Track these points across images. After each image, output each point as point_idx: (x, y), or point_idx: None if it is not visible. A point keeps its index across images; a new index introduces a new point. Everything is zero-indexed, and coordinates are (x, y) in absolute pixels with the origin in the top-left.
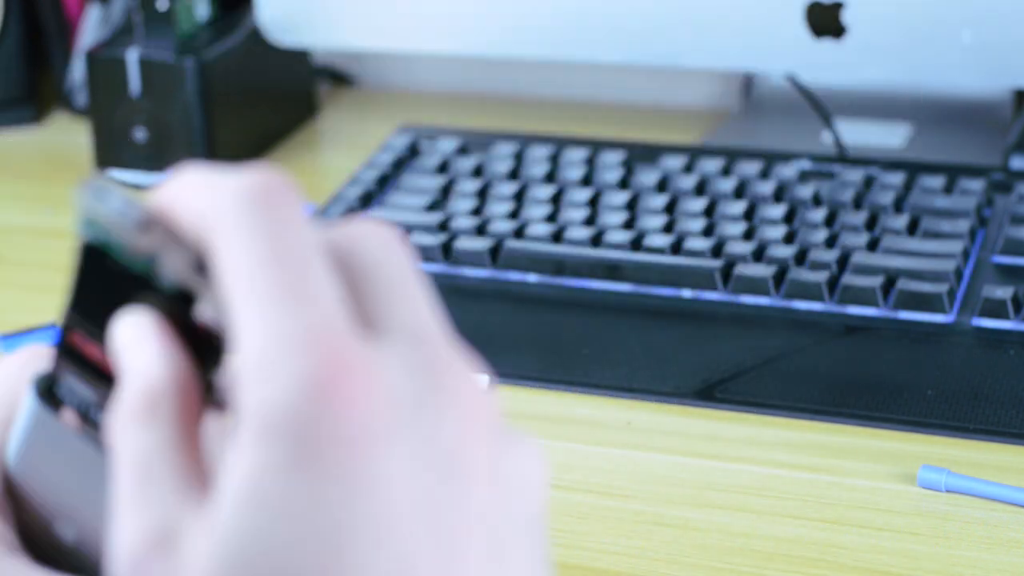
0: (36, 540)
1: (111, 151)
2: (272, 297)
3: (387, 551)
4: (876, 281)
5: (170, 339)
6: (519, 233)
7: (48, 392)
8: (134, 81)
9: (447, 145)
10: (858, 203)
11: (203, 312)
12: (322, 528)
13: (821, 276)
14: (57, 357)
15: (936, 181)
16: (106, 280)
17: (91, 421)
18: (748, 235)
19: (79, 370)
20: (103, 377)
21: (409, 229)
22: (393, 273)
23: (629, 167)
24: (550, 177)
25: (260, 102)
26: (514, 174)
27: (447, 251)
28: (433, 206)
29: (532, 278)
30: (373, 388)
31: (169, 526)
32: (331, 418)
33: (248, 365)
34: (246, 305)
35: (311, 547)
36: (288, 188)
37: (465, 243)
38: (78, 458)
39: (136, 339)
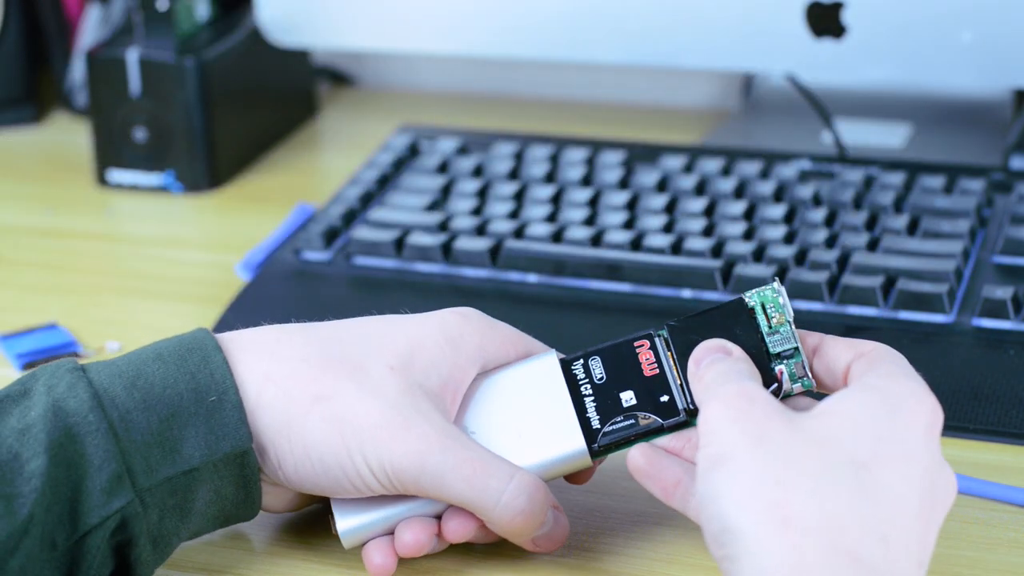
0: None
1: (111, 151)
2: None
3: (894, 444)
4: (876, 281)
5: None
6: (519, 233)
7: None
8: (134, 81)
9: (447, 145)
10: (858, 203)
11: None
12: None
13: (821, 276)
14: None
15: (936, 181)
16: (728, 327)
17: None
18: (748, 235)
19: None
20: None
21: (408, 229)
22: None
23: (629, 167)
24: (550, 177)
25: (260, 102)
26: (514, 174)
27: (447, 251)
28: (433, 206)
29: (532, 278)
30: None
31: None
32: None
33: (871, 372)
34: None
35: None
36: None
37: (465, 243)
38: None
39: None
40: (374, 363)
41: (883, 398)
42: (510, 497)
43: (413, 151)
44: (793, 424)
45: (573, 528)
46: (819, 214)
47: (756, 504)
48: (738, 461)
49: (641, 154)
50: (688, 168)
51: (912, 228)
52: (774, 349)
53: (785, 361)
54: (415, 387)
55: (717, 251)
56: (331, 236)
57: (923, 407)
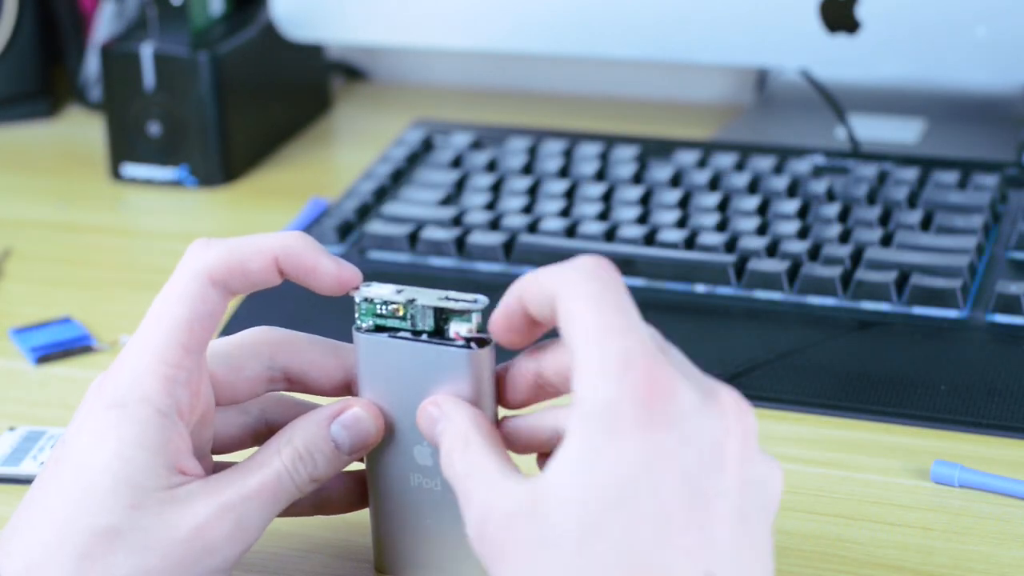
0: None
1: (125, 145)
2: (604, 330)
3: (657, 500)
4: (890, 276)
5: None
6: (533, 228)
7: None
8: (148, 75)
9: (461, 140)
10: (872, 198)
11: None
12: (621, 478)
13: (835, 271)
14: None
15: (950, 176)
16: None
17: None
18: (762, 230)
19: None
20: None
21: (422, 224)
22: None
23: (643, 162)
24: (564, 172)
25: (274, 97)
26: (528, 169)
27: (461, 246)
28: (447, 201)
29: None
30: (668, 393)
31: (485, 497)
32: (639, 408)
33: (584, 375)
34: (585, 335)
35: (609, 491)
36: (609, 263)
37: (479, 238)
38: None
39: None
40: (117, 520)
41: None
42: (292, 471)
43: (427, 146)
44: (523, 538)
45: None
46: (833, 209)
47: None
48: None
49: (655, 149)
50: (702, 163)
51: (926, 223)
52: (421, 325)
53: (453, 320)
54: (159, 496)
55: (731, 246)
56: (345, 230)
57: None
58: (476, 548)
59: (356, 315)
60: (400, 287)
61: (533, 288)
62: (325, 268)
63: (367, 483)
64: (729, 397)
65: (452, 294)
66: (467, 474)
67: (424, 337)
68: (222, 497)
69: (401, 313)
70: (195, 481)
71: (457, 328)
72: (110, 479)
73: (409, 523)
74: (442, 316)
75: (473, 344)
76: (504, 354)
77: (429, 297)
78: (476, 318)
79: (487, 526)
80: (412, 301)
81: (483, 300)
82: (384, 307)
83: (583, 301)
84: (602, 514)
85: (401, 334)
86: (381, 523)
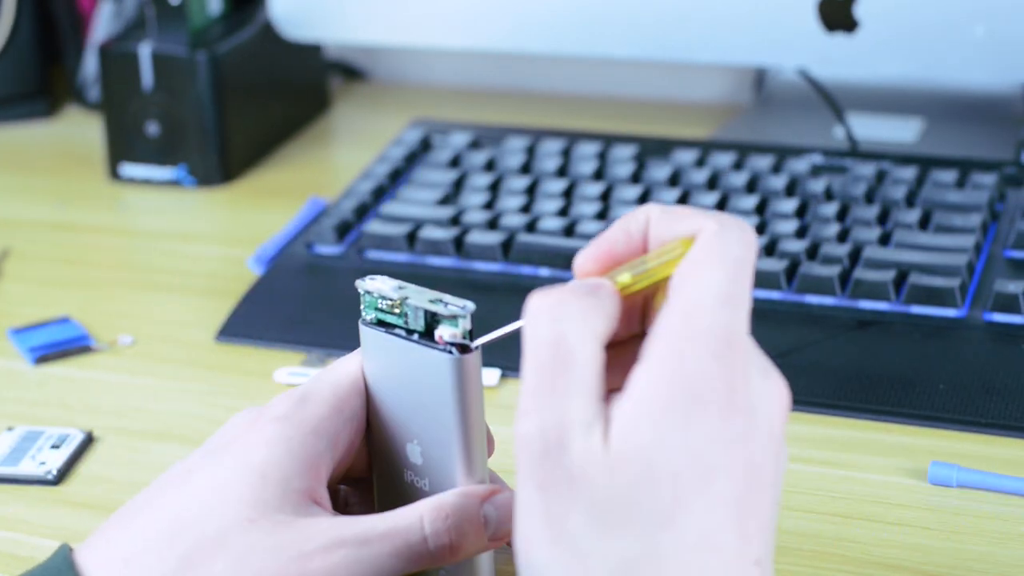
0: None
1: (123, 145)
2: (724, 297)
3: (730, 484)
4: (888, 275)
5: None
6: (531, 227)
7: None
8: (146, 75)
9: (459, 139)
10: (870, 197)
11: None
12: (699, 457)
13: (833, 270)
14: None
15: (948, 175)
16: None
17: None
18: (760, 229)
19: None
20: None
21: (421, 223)
22: None
23: (641, 161)
24: (562, 171)
25: (272, 96)
26: (526, 168)
27: (459, 245)
28: (445, 200)
29: (544, 272)
30: (748, 379)
31: (568, 426)
32: (726, 390)
33: (687, 329)
34: (704, 292)
35: (692, 472)
36: (753, 234)
37: (477, 237)
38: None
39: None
40: (231, 528)
41: (670, 407)
42: (432, 535)
43: (425, 145)
44: (589, 484)
45: None
46: (831, 208)
47: None
48: (536, 567)
49: (653, 148)
50: (700, 162)
51: (924, 222)
52: (413, 324)
53: (442, 324)
54: (278, 518)
55: None
56: (343, 230)
57: (715, 395)
58: (525, 462)
59: (362, 306)
60: (402, 284)
61: (663, 217)
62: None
63: (373, 479)
64: (782, 383)
65: (446, 297)
66: (552, 385)
67: (415, 337)
68: (339, 533)
69: (397, 310)
70: (323, 515)
71: (442, 332)
72: (241, 491)
73: None
74: (432, 317)
75: (455, 350)
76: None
77: (422, 298)
78: (463, 324)
79: (559, 457)
80: (406, 300)
81: (471, 307)
82: (383, 302)
83: (717, 257)
84: (682, 491)
85: (397, 331)
86: None
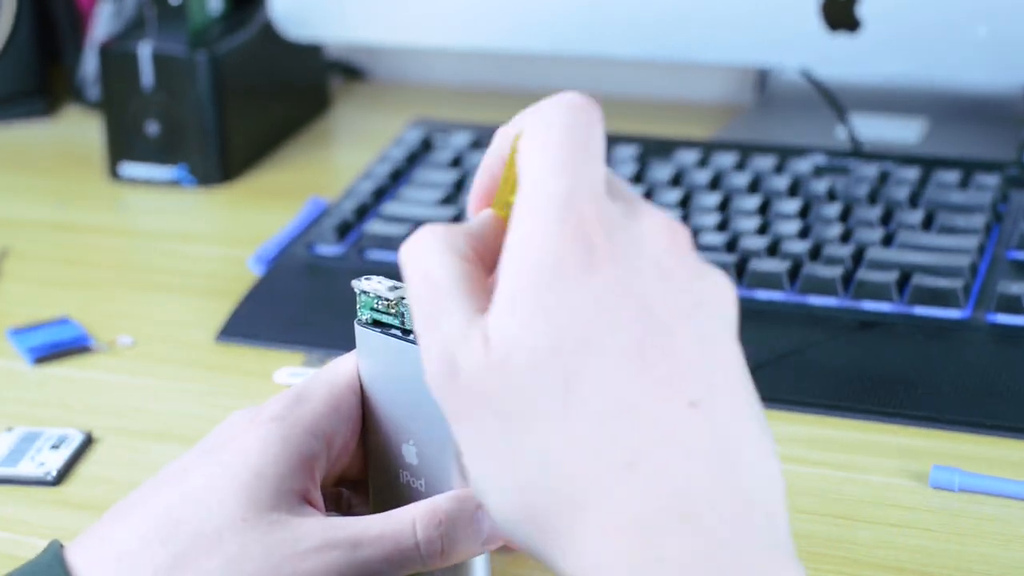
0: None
1: (123, 145)
2: (555, 167)
3: (622, 336)
4: (891, 276)
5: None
6: None
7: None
8: (146, 75)
9: (460, 139)
10: (873, 198)
11: None
12: (581, 318)
13: (836, 271)
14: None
15: (951, 176)
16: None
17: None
18: (762, 230)
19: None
20: None
21: (422, 223)
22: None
23: (643, 161)
24: None
25: (272, 96)
26: None
27: None
28: (446, 200)
29: None
30: (607, 228)
31: (452, 348)
32: (580, 249)
33: (523, 217)
34: (536, 171)
35: (576, 333)
36: (585, 100)
37: None
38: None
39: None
40: (226, 527)
41: (535, 284)
42: (424, 541)
43: (426, 145)
44: (484, 391)
45: None
46: (834, 209)
47: (513, 517)
48: (471, 465)
49: (655, 148)
50: (702, 163)
51: (927, 223)
52: (409, 324)
53: None
54: (272, 517)
55: (731, 246)
56: (344, 230)
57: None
58: (439, 398)
59: (357, 306)
60: (397, 284)
61: (507, 130)
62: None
63: (368, 479)
64: (660, 218)
65: None
66: (437, 287)
67: (411, 336)
68: (333, 535)
69: (392, 310)
70: (316, 516)
71: None
72: (235, 490)
73: None
74: None
75: None
76: None
77: None
78: None
79: (459, 374)
80: (401, 300)
81: None
82: (379, 302)
83: (540, 137)
84: (577, 365)
85: (392, 331)
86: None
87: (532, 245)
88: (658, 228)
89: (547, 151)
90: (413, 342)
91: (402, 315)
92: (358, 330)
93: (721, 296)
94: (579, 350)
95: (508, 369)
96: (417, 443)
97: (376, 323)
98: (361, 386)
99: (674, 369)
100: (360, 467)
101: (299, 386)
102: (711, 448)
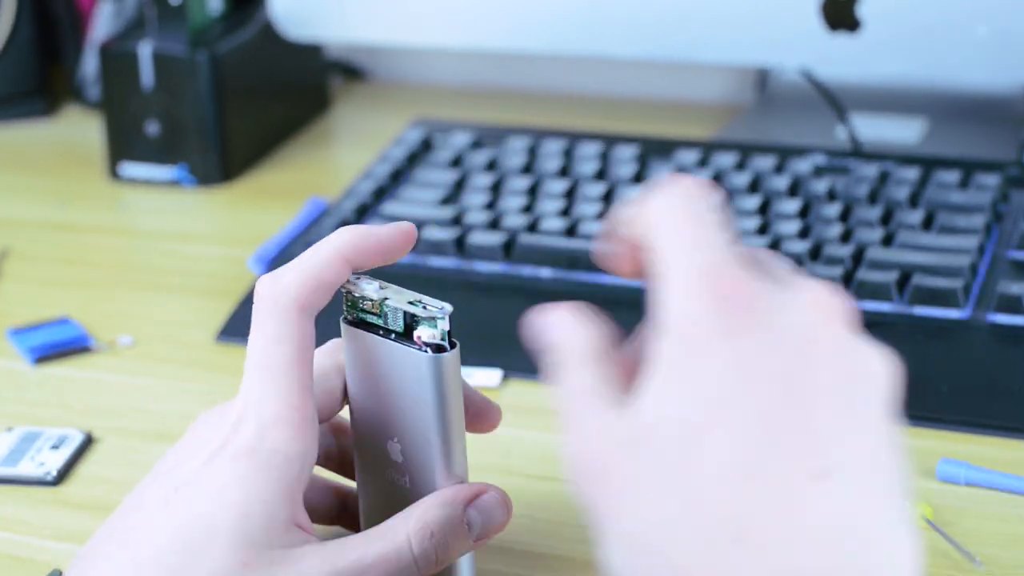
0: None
1: (123, 145)
2: (688, 243)
3: (754, 406)
4: (891, 276)
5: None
6: (533, 227)
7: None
8: (146, 75)
9: (460, 139)
10: (873, 198)
11: None
12: (713, 390)
13: (836, 271)
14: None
15: (951, 176)
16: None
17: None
18: (762, 230)
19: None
20: None
21: (422, 223)
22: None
23: (643, 161)
24: (564, 171)
25: (273, 96)
26: (528, 168)
27: (460, 245)
28: (446, 200)
29: (545, 272)
30: (748, 297)
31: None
32: (719, 317)
33: (664, 297)
34: (671, 249)
35: (707, 403)
36: (697, 185)
37: (478, 237)
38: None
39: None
40: (221, 560)
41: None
42: (420, 556)
43: (426, 145)
44: (618, 486)
45: (579, 520)
46: (834, 209)
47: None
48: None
49: (655, 148)
50: (702, 163)
51: (927, 223)
52: (392, 325)
53: (420, 324)
54: (272, 556)
55: None
56: None
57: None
58: (572, 482)
59: (343, 306)
60: (383, 284)
61: (637, 212)
62: (388, 237)
63: (355, 475)
64: (818, 289)
65: (425, 299)
66: (576, 392)
67: (393, 336)
68: (336, 564)
69: (377, 311)
70: (311, 542)
71: (420, 332)
72: (229, 534)
73: (385, 516)
74: (412, 319)
75: (429, 349)
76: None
77: (402, 299)
78: (441, 324)
79: (587, 453)
80: (385, 300)
81: (448, 308)
82: (363, 303)
83: (671, 217)
84: (701, 430)
85: (377, 330)
86: (365, 515)
87: (672, 320)
88: (812, 300)
89: (678, 229)
90: (396, 341)
91: (386, 315)
92: (343, 328)
93: (875, 371)
94: (706, 418)
95: (636, 440)
96: (401, 440)
97: (362, 322)
98: (346, 384)
99: (802, 441)
100: (347, 466)
101: (251, 409)
102: (831, 524)
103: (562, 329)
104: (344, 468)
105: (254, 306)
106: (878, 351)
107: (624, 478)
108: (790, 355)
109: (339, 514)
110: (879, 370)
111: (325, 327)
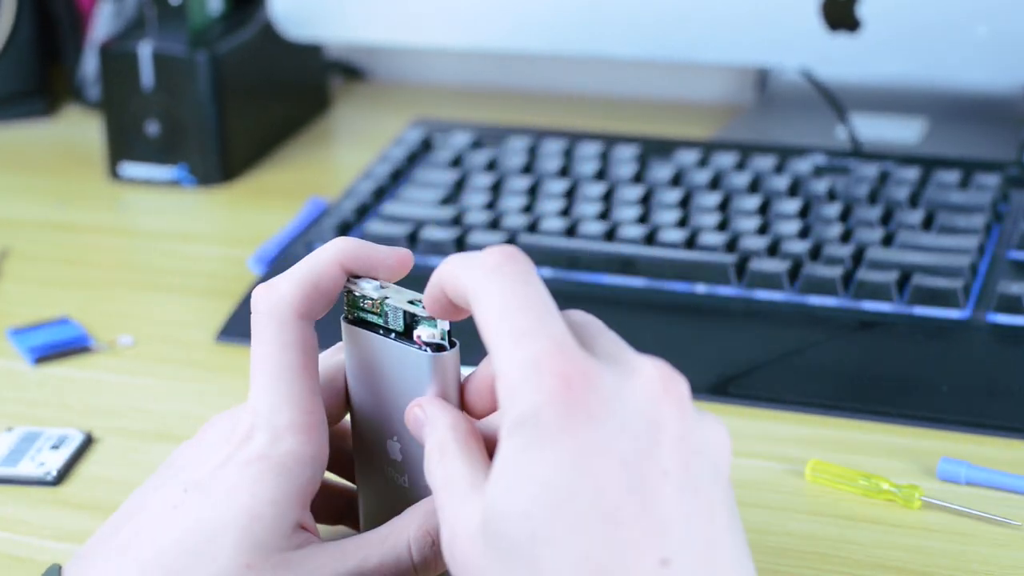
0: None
1: (123, 145)
2: (515, 333)
3: (598, 496)
4: (891, 276)
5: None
6: (533, 227)
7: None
8: (147, 75)
9: (460, 139)
10: (873, 198)
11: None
12: (557, 483)
13: (836, 271)
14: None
15: (951, 176)
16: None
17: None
18: (762, 230)
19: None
20: None
21: (422, 223)
22: (594, 325)
23: (643, 161)
24: (564, 171)
25: (273, 96)
26: (528, 168)
27: (460, 245)
28: (446, 200)
29: (546, 272)
30: (584, 387)
31: (453, 521)
32: (557, 409)
33: (501, 387)
34: (496, 345)
35: (548, 497)
36: (521, 255)
37: (479, 237)
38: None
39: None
40: (224, 561)
41: (508, 463)
42: (420, 562)
43: (426, 145)
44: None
45: None
46: (834, 209)
47: None
48: None
49: (655, 148)
50: (702, 163)
51: (927, 223)
52: (392, 324)
53: (420, 324)
54: (276, 559)
55: (731, 246)
56: (344, 230)
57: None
58: (448, 565)
59: (343, 305)
60: (383, 284)
61: (450, 283)
62: (386, 256)
63: (355, 473)
64: (653, 370)
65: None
66: (440, 487)
67: (393, 336)
68: (339, 568)
69: (377, 310)
70: (313, 543)
71: (420, 332)
72: (235, 536)
73: (385, 515)
74: (412, 318)
75: (429, 349)
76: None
77: (402, 298)
78: (441, 324)
79: (455, 546)
80: (385, 299)
81: None
82: (363, 302)
83: (490, 307)
84: (547, 523)
85: (377, 329)
86: (364, 513)
87: (514, 411)
88: (649, 381)
89: (503, 319)
90: (395, 340)
91: (386, 315)
92: (344, 327)
93: (714, 445)
94: (550, 514)
95: (488, 535)
96: (401, 440)
97: (362, 321)
98: (347, 382)
99: (648, 528)
100: (347, 466)
101: (262, 418)
102: None
103: (428, 422)
104: (343, 470)
105: (253, 316)
106: (714, 422)
107: (483, 569)
108: (630, 442)
109: (344, 514)
110: (718, 441)
111: (326, 327)
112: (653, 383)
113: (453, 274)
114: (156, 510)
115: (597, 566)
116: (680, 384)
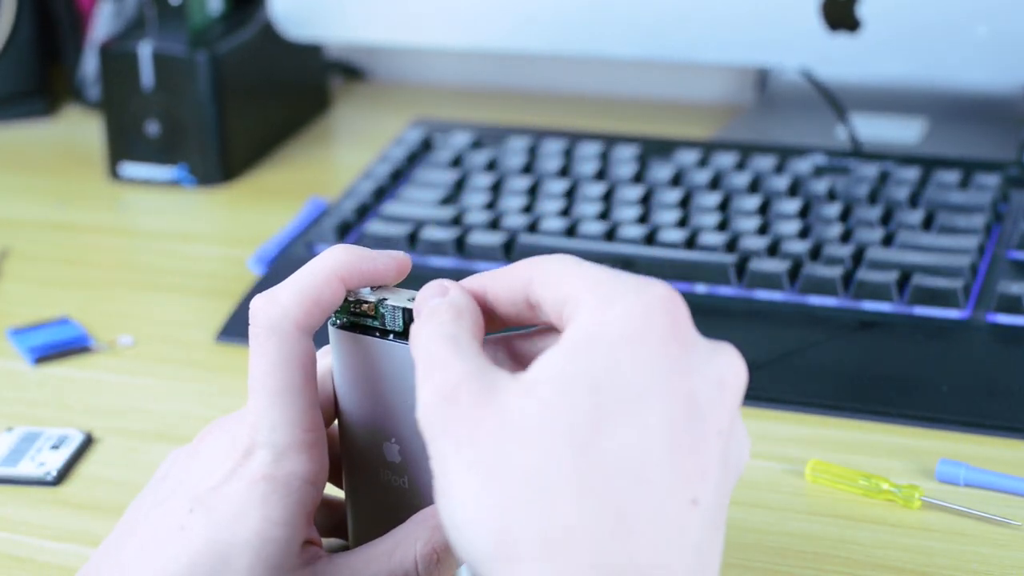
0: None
1: (123, 145)
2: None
3: (669, 413)
4: (891, 276)
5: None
6: (533, 227)
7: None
8: (147, 75)
9: (460, 139)
10: (873, 198)
11: None
12: (636, 374)
13: (836, 271)
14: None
15: (951, 176)
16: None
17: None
18: (762, 230)
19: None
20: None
21: (422, 223)
22: None
23: (643, 161)
24: (564, 171)
25: (273, 96)
26: (528, 168)
27: (460, 245)
28: (446, 200)
29: None
30: (689, 325)
31: (454, 382)
32: (667, 323)
33: (596, 293)
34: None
35: (625, 385)
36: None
37: (479, 237)
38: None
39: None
40: None
41: (594, 337)
42: (424, 572)
43: (426, 145)
44: (503, 414)
45: None
46: (834, 209)
47: (483, 545)
48: (456, 488)
49: (655, 148)
50: (703, 163)
51: (927, 223)
52: (391, 324)
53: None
54: (279, 573)
55: (731, 246)
56: (344, 230)
57: (650, 322)
58: (426, 418)
59: (332, 312)
60: (374, 286)
61: (555, 284)
62: (384, 264)
63: (343, 481)
64: (734, 352)
65: None
66: (440, 340)
67: (391, 337)
68: None
69: (373, 312)
70: (322, 558)
71: None
72: (250, 559)
73: (379, 519)
74: (411, 315)
75: None
76: None
77: (400, 298)
78: None
79: (457, 394)
80: (383, 300)
81: None
82: (357, 305)
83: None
84: (614, 404)
85: (373, 332)
86: (354, 520)
87: (617, 309)
88: (732, 351)
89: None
90: (394, 340)
91: (383, 316)
92: (332, 333)
93: (744, 451)
94: (619, 402)
95: (536, 394)
96: (400, 440)
97: (352, 325)
98: (334, 389)
99: (696, 466)
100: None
101: (263, 435)
102: (698, 546)
103: (452, 292)
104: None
105: (251, 327)
106: (747, 438)
107: (492, 433)
108: (707, 387)
109: (337, 525)
110: (745, 453)
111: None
112: (733, 359)
113: (559, 276)
114: (161, 529)
115: (644, 480)
116: (745, 377)
